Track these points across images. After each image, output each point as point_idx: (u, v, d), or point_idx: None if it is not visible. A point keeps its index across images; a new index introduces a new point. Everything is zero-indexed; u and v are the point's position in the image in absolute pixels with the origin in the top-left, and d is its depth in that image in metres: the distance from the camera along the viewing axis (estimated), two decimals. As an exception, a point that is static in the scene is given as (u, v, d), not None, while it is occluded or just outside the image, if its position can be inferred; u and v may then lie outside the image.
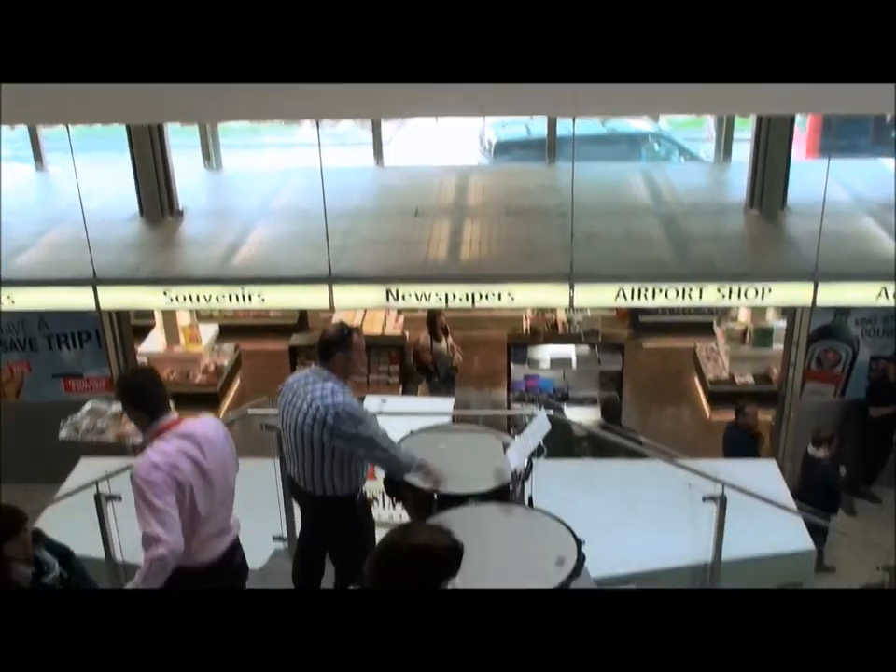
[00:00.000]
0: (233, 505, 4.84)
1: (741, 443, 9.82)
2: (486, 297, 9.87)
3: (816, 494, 9.25)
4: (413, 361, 12.01)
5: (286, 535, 6.59)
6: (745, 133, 12.15)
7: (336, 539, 5.32)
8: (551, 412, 6.13)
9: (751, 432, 10.00)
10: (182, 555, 4.29)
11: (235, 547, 4.88)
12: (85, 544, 5.94)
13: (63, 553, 4.92)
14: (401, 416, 5.93)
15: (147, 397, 4.51)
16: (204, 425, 4.73)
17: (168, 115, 5.68)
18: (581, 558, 4.78)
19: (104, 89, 3.00)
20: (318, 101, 4.53)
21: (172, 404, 4.70)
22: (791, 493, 9.44)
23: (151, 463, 4.33)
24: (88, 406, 5.05)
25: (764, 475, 7.70)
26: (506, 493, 5.46)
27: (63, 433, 5.18)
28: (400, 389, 12.05)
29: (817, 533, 8.54)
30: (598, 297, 10.06)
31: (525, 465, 5.59)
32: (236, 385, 13.39)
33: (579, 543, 4.90)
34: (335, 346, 5.12)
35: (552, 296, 9.99)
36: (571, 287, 9.61)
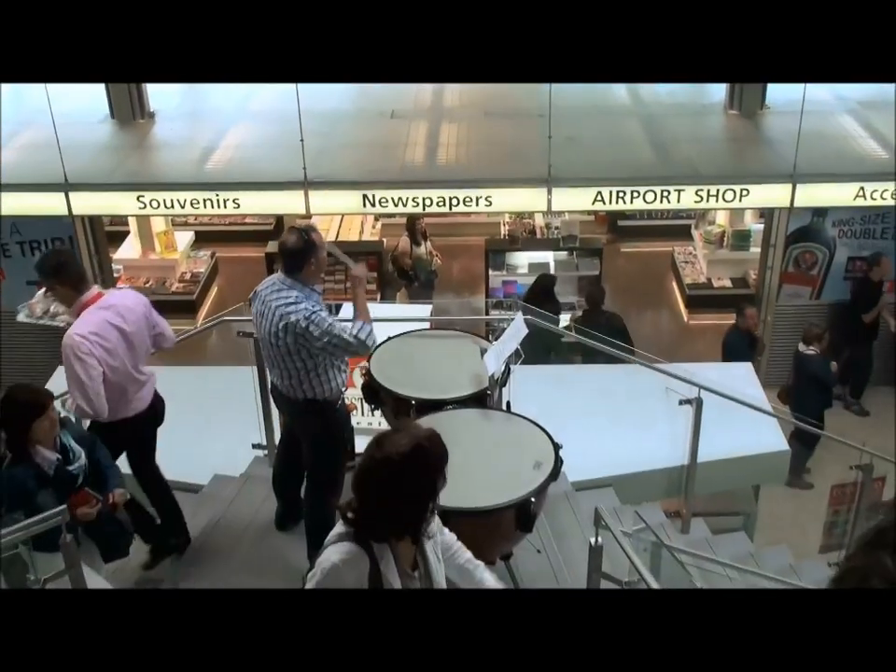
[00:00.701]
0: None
1: (741, 346, 9.72)
2: (464, 202, 9.75)
3: (809, 391, 9.37)
4: (393, 266, 11.92)
5: (265, 442, 6.60)
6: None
7: (314, 443, 5.32)
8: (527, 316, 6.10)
9: (751, 335, 9.89)
10: (119, 408, 5.15)
11: (155, 393, 5.51)
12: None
13: (89, 442, 4.94)
14: (379, 322, 5.85)
15: (71, 273, 5.11)
16: (124, 295, 5.44)
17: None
18: (558, 462, 4.81)
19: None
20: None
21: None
22: (785, 392, 9.63)
23: (78, 334, 4.95)
24: (43, 289, 5.18)
25: (741, 377, 7.73)
26: (484, 398, 5.47)
27: (19, 316, 5.39)
28: (378, 296, 12.00)
29: (806, 435, 8.67)
30: (576, 201, 9.97)
31: (503, 370, 5.58)
32: (213, 292, 13.29)
33: (556, 447, 4.93)
34: (303, 253, 4.98)
35: (529, 200, 9.91)
36: (549, 191, 9.52)
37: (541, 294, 10.34)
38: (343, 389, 5.33)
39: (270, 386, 5.59)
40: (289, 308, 4.94)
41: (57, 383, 6.48)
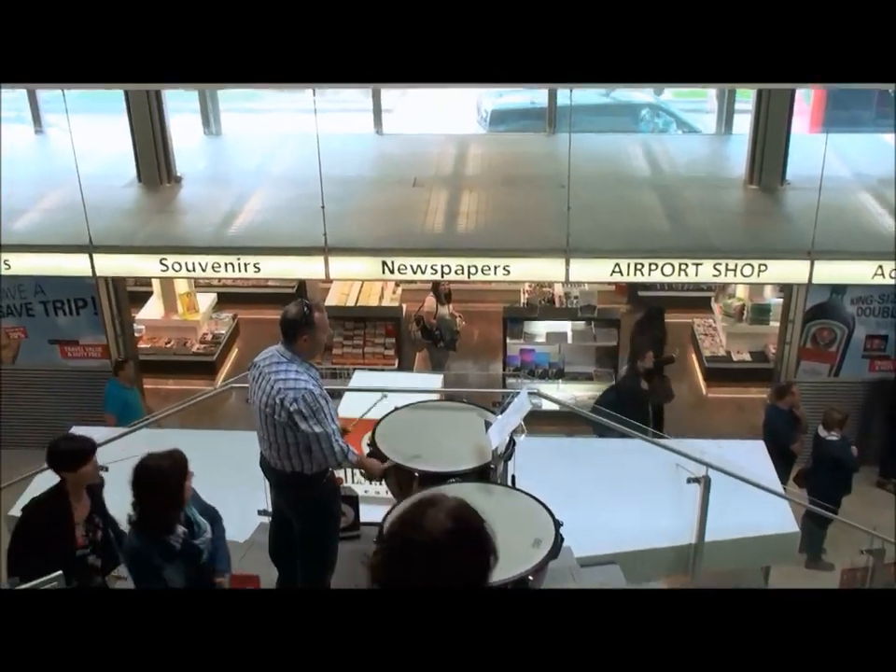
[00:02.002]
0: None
1: (783, 425, 9.59)
2: (482, 270, 9.87)
3: (826, 476, 9.22)
4: (417, 326, 11.99)
5: (270, 509, 6.59)
6: (747, 104, 12.05)
7: (303, 518, 5.31)
8: (535, 389, 6.13)
9: (792, 413, 9.72)
10: None
11: None
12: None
13: (211, 515, 5.09)
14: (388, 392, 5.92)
15: None
16: None
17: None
18: (558, 539, 4.80)
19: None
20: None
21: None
22: (803, 476, 9.51)
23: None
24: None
25: (752, 455, 7.69)
26: (487, 472, 5.48)
27: None
28: (396, 362, 12.08)
29: (819, 518, 8.54)
30: (594, 271, 10.07)
31: (507, 443, 5.59)
32: (234, 353, 13.42)
33: (556, 524, 4.92)
34: (298, 327, 5.02)
35: (548, 270, 10.02)
36: (567, 262, 9.61)
37: (648, 321, 10.82)
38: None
39: (259, 458, 5.60)
40: (288, 384, 4.97)
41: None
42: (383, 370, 11.73)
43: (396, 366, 12.08)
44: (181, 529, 4.71)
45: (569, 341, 11.74)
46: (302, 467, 5.15)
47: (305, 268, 10.25)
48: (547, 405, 7.69)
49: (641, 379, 9.95)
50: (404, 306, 13.01)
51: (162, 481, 4.58)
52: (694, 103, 18.99)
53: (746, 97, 12.70)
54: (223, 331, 13.39)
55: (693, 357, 13.04)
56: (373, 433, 5.77)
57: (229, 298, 14.09)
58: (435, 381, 7.90)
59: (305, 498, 5.27)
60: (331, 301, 12.70)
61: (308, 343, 5.06)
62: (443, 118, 18.43)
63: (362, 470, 5.54)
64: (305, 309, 5.04)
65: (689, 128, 17.51)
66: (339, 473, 5.72)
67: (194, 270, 10.14)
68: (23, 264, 10.14)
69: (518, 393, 5.73)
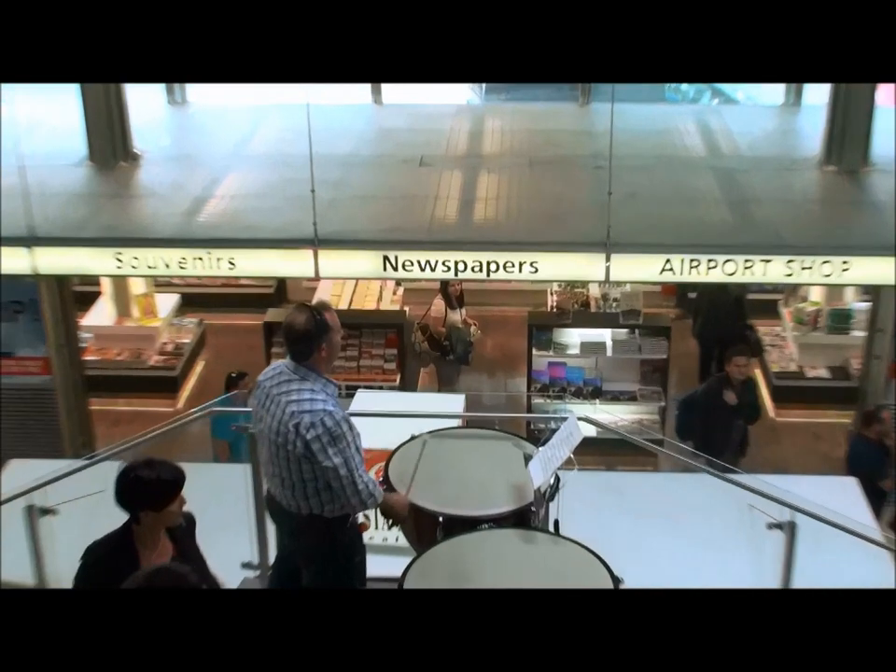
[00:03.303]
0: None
1: (872, 459, 9.43)
2: (504, 267, 9.76)
3: None
4: (422, 335, 11.90)
5: (257, 561, 6.49)
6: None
7: (317, 571, 5.26)
8: (584, 414, 6.02)
9: (882, 444, 9.55)
10: None
11: None
12: (10, 565, 5.86)
13: None
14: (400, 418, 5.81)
15: None
16: None
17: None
18: (619, 601, 4.67)
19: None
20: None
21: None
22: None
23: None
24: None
25: (842, 495, 7.58)
26: (527, 516, 5.38)
27: None
28: (398, 378, 12.00)
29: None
30: (641, 270, 9.95)
31: (552, 481, 5.47)
32: (199, 368, 13.34)
33: (616, 581, 4.80)
34: (313, 339, 4.99)
35: (584, 268, 9.91)
36: (608, 258, 9.49)
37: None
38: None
39: (266, 496, 5.51)
40: (303, 406, 4.94)
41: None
42: (381, 387, 11.65)
43: (397, 383, 12.02)
44: None
45: (609, 353, 11.67)
46: (322, 509, 5.13)
47: (290, 264, 10.15)
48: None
49: (730, 391, 9.82)
50: (407, 310, 12.93)
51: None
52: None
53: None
54: (187, 340, 13.35)
55: (759, 372, 12.91)
56: (386, 467, 5.65)
57: (194, 300, 14.05)
58: (455, 403, 7.78)
59: (322, 547, 5.23)
60: (320, 305, 12.61)
61: (326, 352, 5.05)
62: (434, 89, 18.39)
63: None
64: (315, 315, 4.99)
65: (726, 97, 17.47)
66: (361, 517, 5.63)
67: (156, 267, 10.02)
68: (-52, 261, 10.01)
69: (566, 419, 5.60)
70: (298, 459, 5.00)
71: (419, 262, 9.80)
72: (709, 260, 9.56)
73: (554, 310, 12.63)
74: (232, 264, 9.92)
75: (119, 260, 9.93)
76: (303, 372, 5.03)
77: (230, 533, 6.43)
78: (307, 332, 4.98)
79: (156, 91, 13.23)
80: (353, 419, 5.21)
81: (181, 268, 10.01)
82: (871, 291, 11.04)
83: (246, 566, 6.55)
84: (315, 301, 5.58)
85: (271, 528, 6.13)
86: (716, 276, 9.72)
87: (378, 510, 5.50)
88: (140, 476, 4.61)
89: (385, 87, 13.44)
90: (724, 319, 12.08)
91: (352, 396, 7.89)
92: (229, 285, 13.99)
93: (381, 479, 5.70)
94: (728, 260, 9.54)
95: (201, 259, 9.87)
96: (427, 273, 9.98)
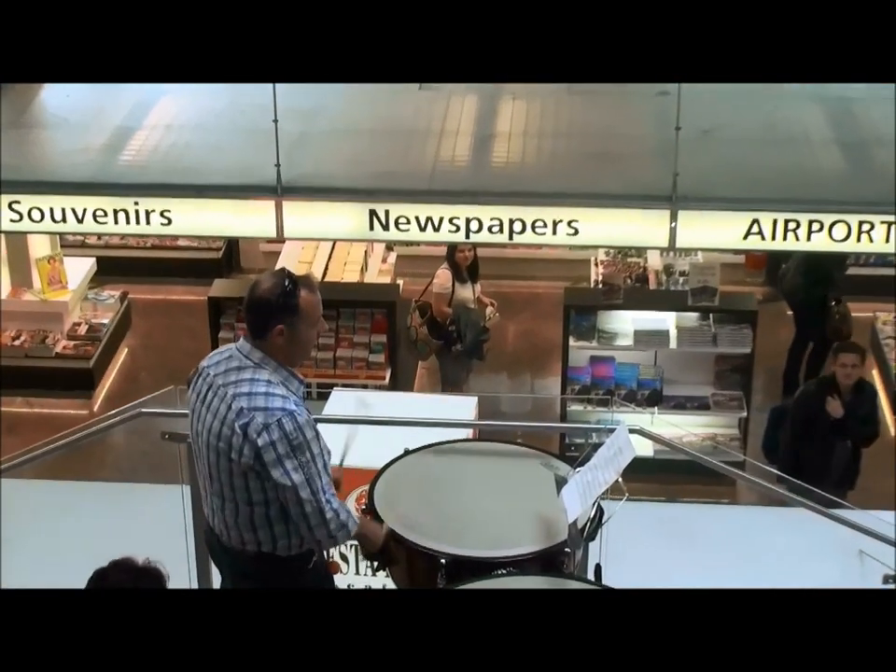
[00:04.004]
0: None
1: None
2: (533, 227, 9.76)
3: None
4: (420, 318, 11.86)
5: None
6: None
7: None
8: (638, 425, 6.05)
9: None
10: None
11: None
12: None
13: None
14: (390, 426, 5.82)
15: None
16: None
17: None
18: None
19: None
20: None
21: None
22: None
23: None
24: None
25: None
26: (559, 558, 5.39)
27: None
28: (388, 375, 12.07)
29: None
30: (718, 233, 9.97)
31: (593, 514, 5.49)
32: (122, 357, 13.40)
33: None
34: (273, 312, 4.94)
35: (641, 229, 9.93)
36: (673, 217, 9.49)
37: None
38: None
39: (205, 530, 5.52)
40: (255, 402, 4.90)
41: None
42: (365, 387, 11.69)
43: (387, 381, 12.11)
44: None
45: (672, 344, 11.72)
46: (274, 544, 5.11)
47: (244, 220, 10.17)
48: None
49: (835, 398, 9.86)
50: (401, 285, 12.95)
51: None
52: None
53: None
54: (105, 321, 13.35)
55: (876, 372, 13.00)
56: (371, 491, 5.67)
57: (115, 266, 14.12)
58: (464, 408, 7.79)
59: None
60: (282, 275, 12.60)
61: (288, 338, 4.99)
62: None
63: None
64: (287, 284, 4.95)
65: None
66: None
67: (64, 220, 10.03)
68: None
69: (614, 430, 5.62)
70: (244, 473, 4.95)
71: (417, 219, 9.80)
72: (812, 222, 9.56)
73: (600, 286, 12.62)
74: (167, 219, 9.93)
75: (15, 211, 9.96)
76: (259, 358, 5.00)
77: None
78: (266, 302, 4.95)
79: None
80: (326, 427, 5.23)
81: (98, 223, 10.02)
82: None
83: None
84: (306, 274, 5.57)
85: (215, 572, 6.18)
86: (820, 243, 9.72)
87: (358, 546, 5.53)
88: (118, 586, 4.67)
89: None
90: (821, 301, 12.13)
91: (326, 398, 7.90)
92: (162, 247, 14.04)
93: (362, 507, 5.73)
94: (837, 221, 9.55)
95: (124, 211, 9.89)
96: (429, 235, 9.99)
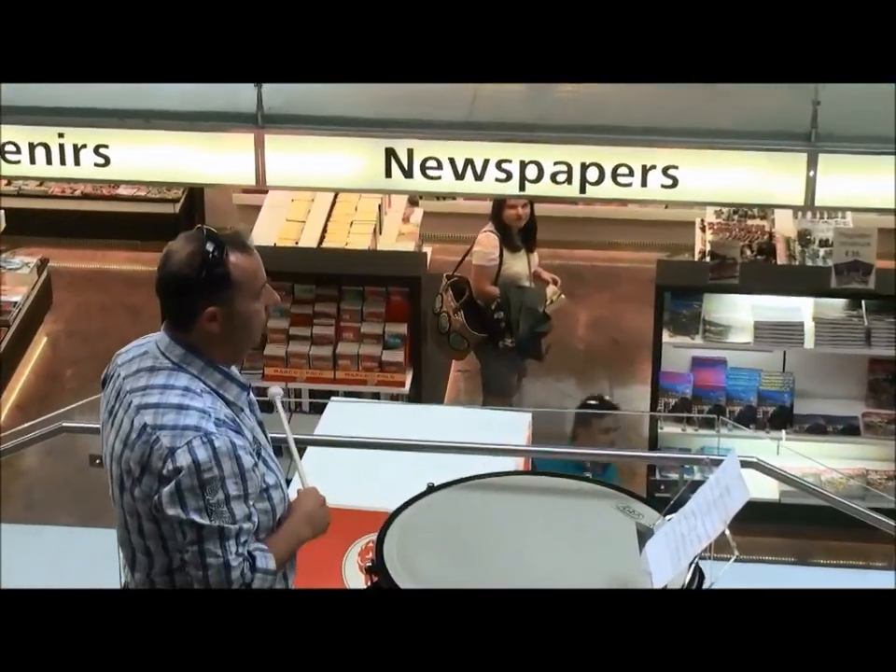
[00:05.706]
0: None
1: None
2: (614, 175, 9.83)
3: None
4: (455, 301, 11.89)
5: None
6: None
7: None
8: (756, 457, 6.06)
9: None
10: None
11: None
12: None
13: None
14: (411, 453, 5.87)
15: None
16: None
17: None
18: None
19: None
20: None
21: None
22: None
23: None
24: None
25: None
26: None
27: None
28: (409, 378, 12.18)
29: None
30: (873, 186, 9.96)
31: (689, 579, 5.52)
32: (41, 346, 13.48)
33: None
34: (198, 291, 4.86)
35: (765, 179, 9.99)
36: (811, 164, 9.50)
37: None
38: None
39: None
40: (164, 417, 4.86)
41: None
42: (378, 396, 11.76)
43: (406, 388, 12.19)
44: None
45: (808, 343, 11.74)
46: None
47: (213, 160, 10.35)
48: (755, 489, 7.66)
49: None
50: (429, 253, 13.00)
51: None
52: None
53: None
54: (17, 297, 13.41)
55: None
56: (379, 544, 5.71)
57: (31, 223, 14.29)
58: (514, 427, 7.82)
59: None
60: (265, 237, 12.71)
61: (223, 323, 4.95)
62: None
63: None
64: (209, 248, 4.88)
65: None
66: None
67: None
68: None
69: (721, 463, 5.64)
70: (137, 508, 4.93)
71: (452, 162, 9.90)
72: None
73: (707, 259, 12.65)
74: (103, 158, 10.03)
75: None
76: (179, 356, 4.95)
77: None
78: (184, 278, 4.84)
79: None
80: (322, 453, 5.25)
81: (7, 161, 10.15)
82: None
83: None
84: (233, 230, 5.56)
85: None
86: None
87: None
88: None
89: None
90: None
91: (320, 411, 7.94)
92: (96, 197, 14.14)
93: (369, 563, 5.76)
94: None
95: (44, 145, 10.00)
96: (468, 185, 10.07)
